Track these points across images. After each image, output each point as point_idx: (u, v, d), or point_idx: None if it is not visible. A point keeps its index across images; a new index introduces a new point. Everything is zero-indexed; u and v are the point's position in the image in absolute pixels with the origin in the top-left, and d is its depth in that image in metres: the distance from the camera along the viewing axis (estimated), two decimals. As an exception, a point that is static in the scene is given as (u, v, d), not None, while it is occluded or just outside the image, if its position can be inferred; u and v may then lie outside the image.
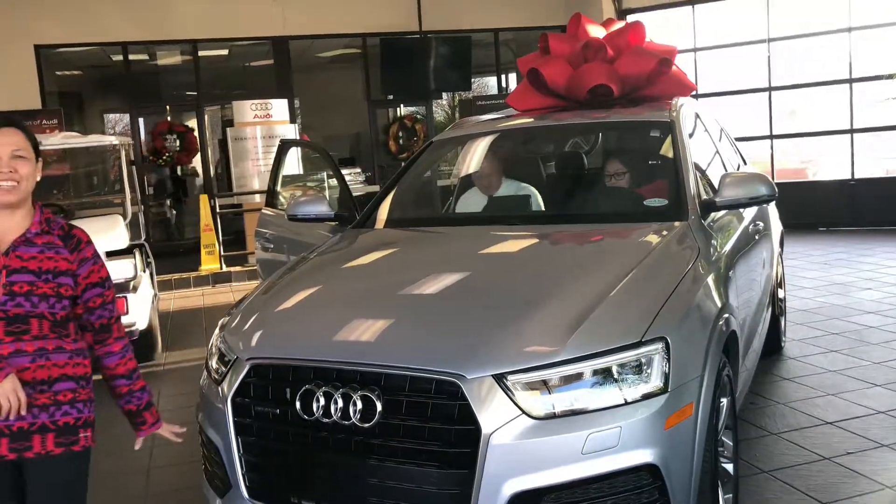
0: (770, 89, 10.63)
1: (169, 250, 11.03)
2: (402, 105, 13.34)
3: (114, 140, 6.61)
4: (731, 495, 2.72)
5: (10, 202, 2.13)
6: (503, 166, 4.01)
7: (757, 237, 3.91)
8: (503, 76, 13.48)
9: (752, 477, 3.25)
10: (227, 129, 10.54)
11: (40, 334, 2.12)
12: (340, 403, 2.29)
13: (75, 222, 5.91)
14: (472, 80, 12.74)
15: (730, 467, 2.76)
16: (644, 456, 2.18)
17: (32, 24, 10.29)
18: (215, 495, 2.67)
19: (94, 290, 2.23)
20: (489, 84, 14.54)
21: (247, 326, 2.75)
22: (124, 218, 6.15)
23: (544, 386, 2.21)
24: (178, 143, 12.02)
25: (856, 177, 10.19)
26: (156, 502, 3.53)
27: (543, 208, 3.80)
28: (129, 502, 3.60)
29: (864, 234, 9.54)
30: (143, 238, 6.70)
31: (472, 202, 4.01)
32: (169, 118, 13.30)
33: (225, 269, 9.48)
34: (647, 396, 2.22)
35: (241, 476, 2.48)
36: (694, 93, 4.75)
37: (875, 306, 6.00)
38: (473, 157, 4.77)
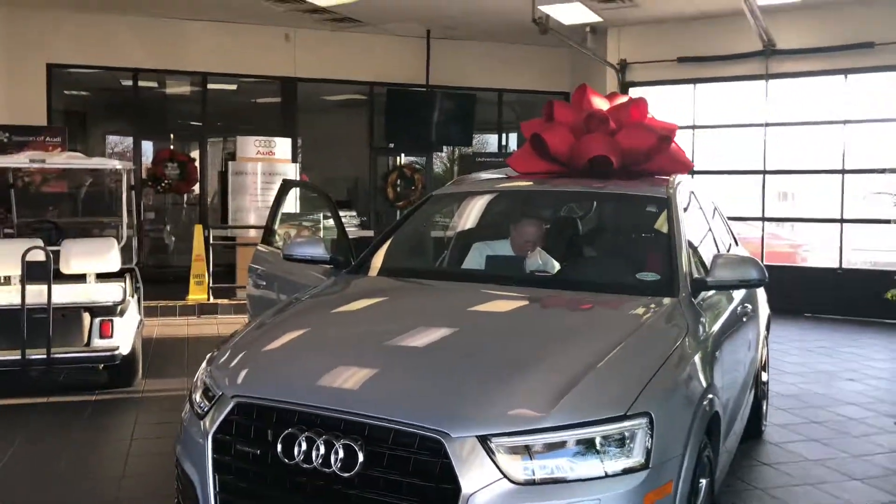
0: (764, 172, 10.83)
1: (158, 276, 11.00)
2: (402, 154, 13.50)
3: (117, 164, 6.66)
4: (702, 578, 2.70)
5: None
6: (543, 234, 3.98)
7: (744, 319, 3.96)
8: (504, 135, 13.72)
9: (725, 561, 3.23)
10: (229, 163, 10.62)
11: None
12: (322, 450, 2.29)
13: (68, 241, 5.95)
14: (474, 136, 12.95)
15: (704, 549, 2.75)
16: (620, 530, 2.18)
17: (47, 43, 10.45)
18: (186, 531, 2.63)
19: None
20: (489, 141, 14.76)
21: (235, 363, 2.76)
22: (118, 241, 6.16)
23: (527, 451, 2.21)
24: (178, 171, 12.07)
25: (843, 266, 10.34)
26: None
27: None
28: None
29: (849, 323, 9.59)
30: (135, 263, 6.70)
31: (471, 256, 4.03)
32: (172, 146, 13.39)
33: (212, 300, 9.44)
34: (627, 471, 2.23)
35: (215, 514, 2.45)
36: (691, 171, 4.86)
37: (857, 398, 6.02)
38: (472, 214, 4.84)
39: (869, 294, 9.06)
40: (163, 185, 12.11)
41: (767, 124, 10.77)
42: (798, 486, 4.16)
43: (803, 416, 5.48)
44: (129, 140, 12.61)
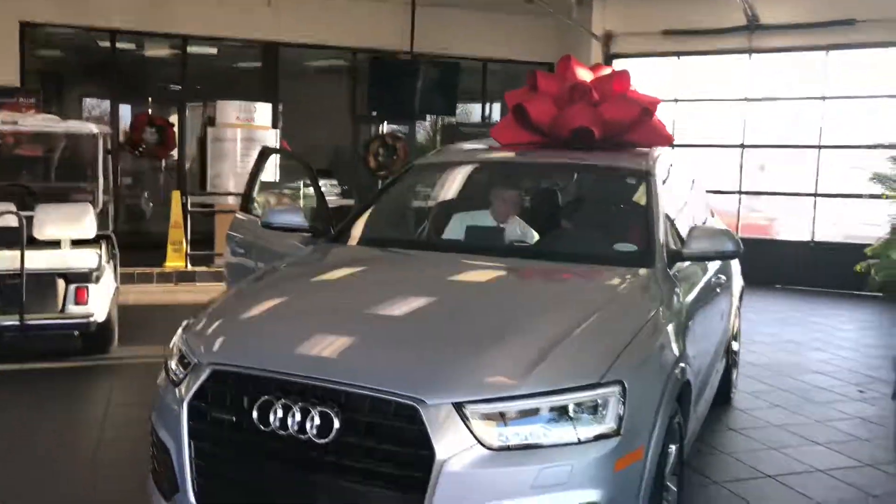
0: (743, 146, 10.93)
1: (135, 243, 10.90)
2: (385, 123, 13.39)
3: (93, 128, 6.54)
4: (670, 540, 2.77)
5: None
6: (523, 204, 4.02)
7: (718, 290, 4.01)
8: (488, 105, 13.64)
9: (692, 525, 3.32)
10: (208, 128, 10.48)
11: None
12: (298, 417, 2.30)
13: (43, 207, 5.86)
14: (457, 105, 12.87)
15: (672, 513, 2.82)
16: (591, 495, 2.22)
17: (21, 1, 10.17)
18: (161, 497, 2.65)
19: None
20: (473, 111, 14.67)
21: (211, 330, 2.75)
22: (94, 207, 6.08)
23: (501, 418, 2.24)
24: (156, 136, 11.88)
25: (816, 239, 10.53)
26: (100, 500, 3.46)
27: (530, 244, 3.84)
28: (73, 499, 3.53)
29: (819, 295, 9.82)
30: (111, 229, 6.62)
31: (451, 227, 4.04)
32: (150, 111, 13.18)
33: (190, 268, 9.37)
34: (599, 437, 2.27)
35: (189, 480, 2.47)
36: (671, 143, 4.88)
37: (823, 367, 6.18)
38: (454, 184, 4.83)
39: (840, 267, 9.23)
40: (140, 149, 11.93)
41: (748, 99, 10.83)
42: (763, 450, 4.27)
43: (771, 383, 5.61)
44: (107, 103, 12.37)
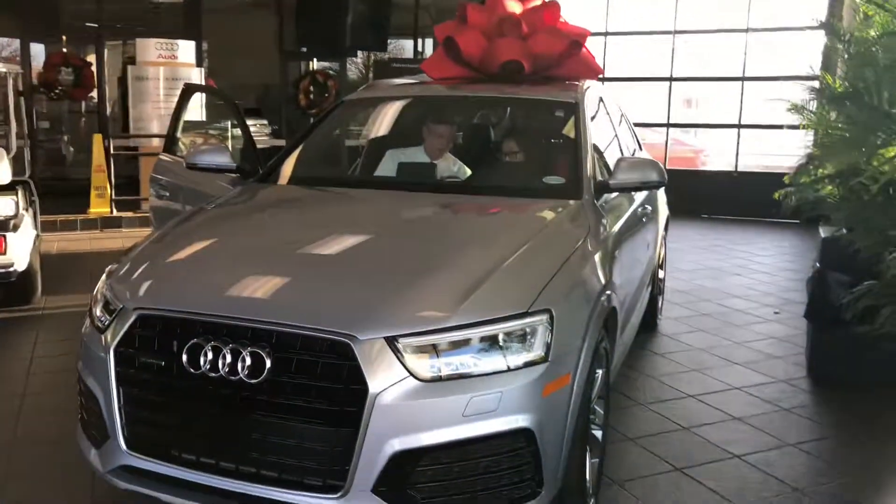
0: (671, 79, 11.10)
1: (56, 189, 10.47)
2: (315, 59, 13.01)
3: (1, 68, 6.17)
4: (597, 460, 2.91)
5: None
6: (455, 138, 3.99)
7: (644, 220, 4.12)
8: (420, 40, 13.38)
9: (618, 443, 3.49)
10: (128, 67, 10.01)
11: None
12: (229, 359, 2.29)
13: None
14: (389, 41, 12.58)
15: (599, 434, 2.94)
16: (521, 420, 2.29)
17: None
18: (91, 446, 2.63)
19: None
20: (405, 47, 14.37)
21: (136, 275, 2.69)
22: (7, 152, 5.79)
23: (433, 350, 2.28)
24: (73, 76, 11.27)
25: (739, 169, 10.88)
26: (26, 452, 3.40)
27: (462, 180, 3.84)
28: None
29: (742, 223, 10.24)
30: (28, 175, 6.33)
31: (384, 164, 4.01)
32: (65, 49, 12.46)
33: (115, 213, 9.08)
34: (528, 364, 2.33)
35: (119, 427, 2.45)
36: (600, 76, 4.91)
37: (742, 291, 6.49)
38: (384, 120, 4.77)
39: (761, 196, 9.59)
40: (56, 91, 11.32)
41: (676, 32, 10.94)
42: (686, 372, 4.49)
43: (694, 309, 5.87)
44: (17, 42, 11.63)
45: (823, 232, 4.41)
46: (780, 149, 10.98)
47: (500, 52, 4.16)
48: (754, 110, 10.75)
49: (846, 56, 5.73)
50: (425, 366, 2.26)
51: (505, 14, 4.30)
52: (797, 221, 9.81)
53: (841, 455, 3.48)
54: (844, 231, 3.32)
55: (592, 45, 4.53)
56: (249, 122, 5.29)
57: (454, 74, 4.30)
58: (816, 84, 6.15)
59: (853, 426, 3.80)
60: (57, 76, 11.18)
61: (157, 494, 2.44)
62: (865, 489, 3.17)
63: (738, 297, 6.26)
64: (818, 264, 4.30)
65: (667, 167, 4.31)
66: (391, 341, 2.25)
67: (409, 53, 13.77)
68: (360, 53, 13.82)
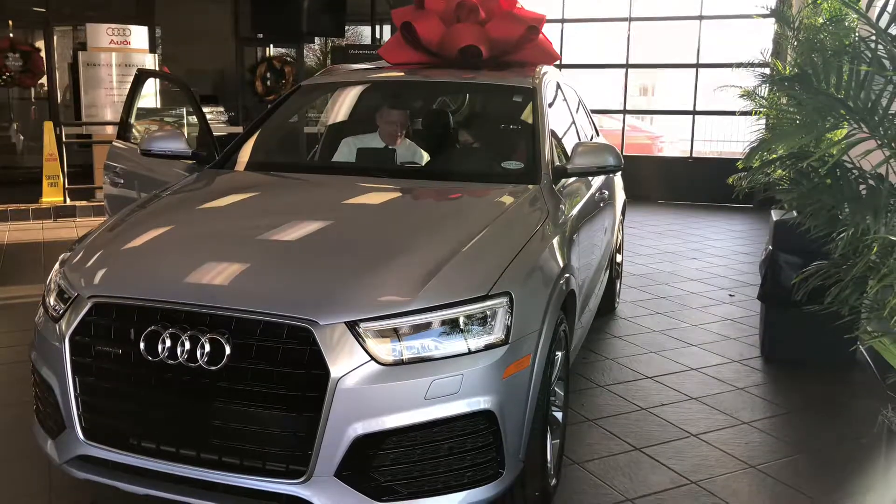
0: (627, 66, 11.24)
1: (7, 178, 10.18)
2: (271, 45, 12.84)
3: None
4: (558, 441, 2.95)
5: None
6: (410, 124, 4.00)
7: (602, 205, 4.18)
8: (378, 26, 13.30)
9: (578, 424, 3.55)
10: (79, 53, 9.75)
11: None
12: (188, 346, 2.27)
13: None
14: (347, 27, 12.48)
15: (559, 415, 2.99)
16: (482, 403, 2.31)
17: None
18: (47, 436, 2.58)
19: None
20: (363, 33, 14.27)
21: (90, 263, 2.64)
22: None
23: (394, 334, 2.29)
24: (21, 63, 10.94)
25: (694, 155, 11.11)
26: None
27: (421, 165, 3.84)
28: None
29: (696, 208, 10.48)
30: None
31: (341, 152, 3.99)
32: (11, 35, 12.08)
33: (69, 202, 8.88)
34: (489, 347, 2.35)
35: (76, 417, 2.42)
36: (558, 62, 4.95)
37: (698, 274, 6.64)
38: (343, 106, 4.74)
39: (716, 181, 9.83)
40: (4, 77, 10.99)
41: (631, 19, 11.07)
42: (644, 354, 4.58)
43: (651, 292, 5.98)
44: (-40, 27, 11.25)
45: (775, 215, 4.52)
46: (734, 135, 11.22)
47: (458, 37, 4.16)
48: (709, 97, 10.95)
49: (795, 43, 5.87)
50: (386, 350, 2.27)
51: (463, -1, 4.29)
52: (751, 206, 10.06)
53: (793, 432, 3.59)
54: (795, 213, 3.41)
55: (549, 32, 4.56)
56: (206, 109, 5.20)
57: (412, 60, 4.29)
58: (767, 70, 6.29)
59: (804, 403, 3.92)
60: (4, 62, 10.86)
61: (116, 484, 2.41)
62: (816, 463, 3.28)
63: (694, 281, 6.40)
64: (770, 247, 4.41)
65: (623, 154, 4.39)
66: (352, 326, 2.25)
67: (367, 39, 13.68)
68: (317, 39, 13.68)
